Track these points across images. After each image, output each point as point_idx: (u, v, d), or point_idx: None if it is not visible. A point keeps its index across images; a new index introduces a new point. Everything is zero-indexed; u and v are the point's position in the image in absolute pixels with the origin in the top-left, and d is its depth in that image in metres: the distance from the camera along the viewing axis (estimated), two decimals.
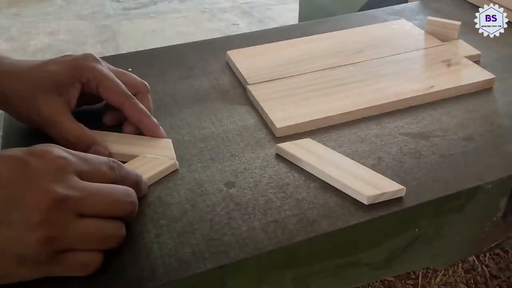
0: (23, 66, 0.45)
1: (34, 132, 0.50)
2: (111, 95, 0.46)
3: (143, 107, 0.47)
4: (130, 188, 0.35)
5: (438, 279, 0.87)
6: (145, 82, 0.50)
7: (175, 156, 0.45)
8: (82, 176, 0.33)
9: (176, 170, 0.44)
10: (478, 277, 0.87)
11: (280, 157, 0.46)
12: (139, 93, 0.48)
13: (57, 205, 0.29)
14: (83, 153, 0.34)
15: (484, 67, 0.59)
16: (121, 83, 0.46)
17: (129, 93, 0.46)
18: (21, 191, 0.29)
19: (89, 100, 0.49)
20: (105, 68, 0.46)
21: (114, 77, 0.46)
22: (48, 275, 0.32)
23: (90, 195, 0.32)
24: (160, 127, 0.47)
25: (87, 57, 0.46)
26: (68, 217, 0.30)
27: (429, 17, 0.66)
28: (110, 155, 0.44)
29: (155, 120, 0.47)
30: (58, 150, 0.32)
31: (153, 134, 0.47)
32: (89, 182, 0.33)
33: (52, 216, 0.29)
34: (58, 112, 0.43)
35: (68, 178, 0.31)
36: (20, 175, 0.29)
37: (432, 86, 0.54)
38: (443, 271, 0.88)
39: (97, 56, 0.47)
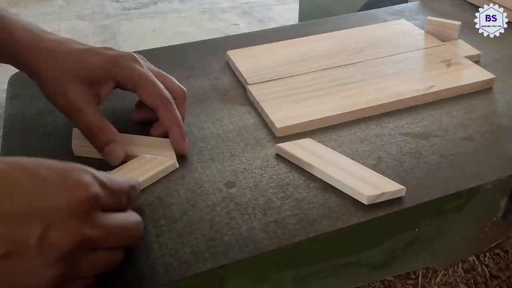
0: (64, 48, 0.44)
1: (35, 132, 0.50)
2: (148, 97, 0.45)
3: (177, 114, 0.46)
4: (140, 219, 0.35)
5: (438, 279, 0.87)
6: (184, 88, 0.49)
7: (175, 156, 0.45)
8: (104, 208, 0.32)
9: (176, 170, 0.44)
10: (478, 277, 0.87)
11: (280, 157, 0.46)
12: (176, 98, 0.47)
13: (79, 246, 0.29)
14: (110, 180, 0.33)
15: (484, 67, 0.59)
16: (160, 85, 0.46)
17: (167, 96, 0.45)
18: (47, 226, 0.27)
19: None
20: (145, 69, 0.46)
21: (153, 78, 0.45)
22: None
23: (110, 232, 0.31)
24: (186, 140, 0.46)
25: (128, 56, 0.46)
26: (84, 253, 0.30)
27: (429, 17, 0.66)
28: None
29: (183, 131, 0.46)
30: (90, 183, 0.30)
31: (177, 145, 0.46)
32: (109, 216, 0.32)
33: (71, 254, 0.28)
34: (85, 100, 0.43)
35: (94, 217, 0.30)
36: (48, 207, 0.28)
37: (432, 86, 0.54)
38: (443, 271, 0.88)
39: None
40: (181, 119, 0.46)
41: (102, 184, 0.31)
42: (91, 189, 0.30)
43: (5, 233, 0.26)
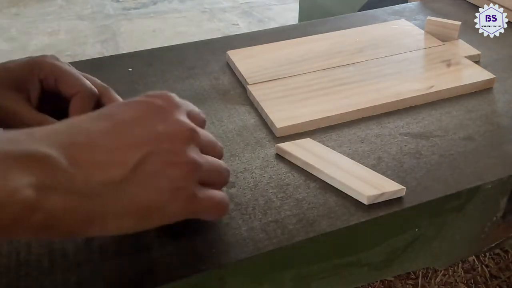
0: None
1: None
2: (67, 87, 0.44)
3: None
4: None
5: (438, 279, 0.87)
6: (106, 86, 0.47)
7: None
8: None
9: None
10: (478, 277, 0.88)
11: (280, 157, 0.46)
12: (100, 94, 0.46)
13: (192, 135, 0.32)
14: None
15: (484, 67, 0.59)
16: (80, 75, 0.45)
17: (89, 84, 0.44)
18: (161, 126, 0.31)
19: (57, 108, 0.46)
20: (65, 64, 0.45)
21: (73, 70, 0.45)
22: (193, 212, 0.33)
23: (210, 165, 0.34)
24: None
25: (46, 55, 0.45)
26: (198, 147, 0.33)
27: (429, 17, 0.66)
28: None
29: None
30: (167, 92, 0.34)
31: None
32: (206, 155, 0.34)
33: (190, 145, 0.32)
34: (18, 103, 0.42)
35: (195, 149, 0.33)
36: (152, 113, 0.32)
37: (432, 86, 0.54)
38: (443, 271, 0.88)
39: (97, 56, 0.47)
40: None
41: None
42: (168, 93, 0.34)
43: (141, 135, 0.30)
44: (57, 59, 0.45)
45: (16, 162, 0.26)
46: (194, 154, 0.32)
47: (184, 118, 0.33)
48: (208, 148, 0.35)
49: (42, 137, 0.28)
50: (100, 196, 0.28)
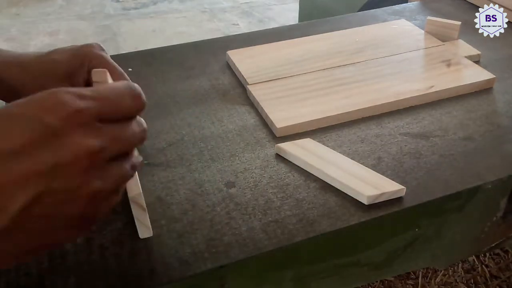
0: (28, 57, 0.43)
1: None
2: (114, 80, 0.44)
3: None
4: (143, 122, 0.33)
5: (438, 279, 0.87)
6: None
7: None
8: (105, 118, 0.28)
9: (176, 170, 0.44)
10: (478, 277, 0.88)
11: (280, 157, 0.46)
12: None
13: (92, 159, 0.26)
14: (97, 90, 0.29)
15: (484, 67, 0.59)
16: (121, 70, 0.45)
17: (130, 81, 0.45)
18: (50, 157, 0.25)
19: None
20: (109, 56, 0.45)
21: (116, 64, 0.45)
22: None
23: (115, 139, 0.29)
24: None
25: (92, 45, 0.45)
26: (101, 165, 0.28)
27: (429, 17, 0.66)
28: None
29: None
30: (59, 96, 0.27)
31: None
32: (109, 125, 0.29)
33: (90, 169, 0.27)
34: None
35: (93, 129, 0.27)
36: (39, 138, 0.25)
37: (432, 86, 0.54)
38: (443, 271, 0.88)
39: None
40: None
41: (84, 96, 0.27)
42: (71, 105, 0.26)
43: (24, 171, 0.24)
44: (103, 49, 0.45)
45: None
46: (97, 182, 0.27)
47: (81, 138, 0.26)
48: (125, 148, 0.29)
49: None
50: None
